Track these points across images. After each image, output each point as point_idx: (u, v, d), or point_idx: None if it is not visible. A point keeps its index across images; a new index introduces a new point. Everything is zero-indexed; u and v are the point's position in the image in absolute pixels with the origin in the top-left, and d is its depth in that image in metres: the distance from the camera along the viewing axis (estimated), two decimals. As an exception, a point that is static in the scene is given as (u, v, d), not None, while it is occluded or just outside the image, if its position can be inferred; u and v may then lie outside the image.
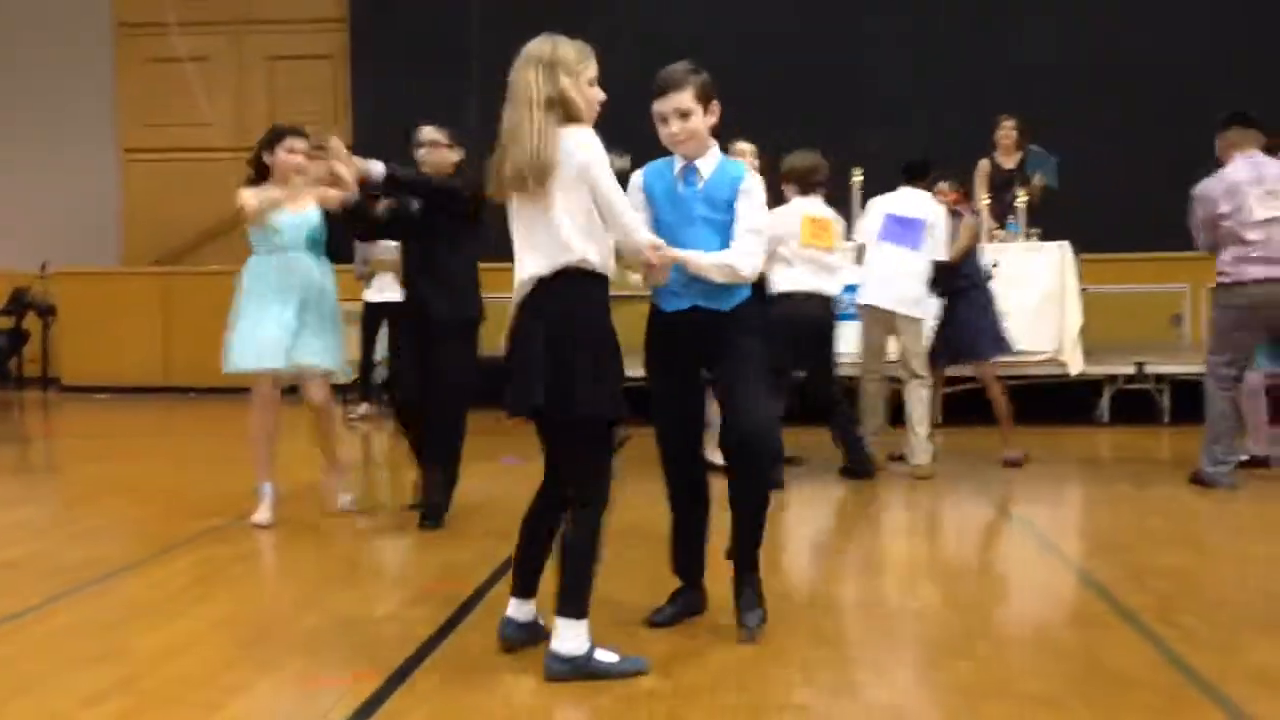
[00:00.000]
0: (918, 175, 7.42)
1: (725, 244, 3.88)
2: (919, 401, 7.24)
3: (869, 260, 7.36)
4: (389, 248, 10.46)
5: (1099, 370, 9.29)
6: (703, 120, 3.89)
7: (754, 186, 3.93)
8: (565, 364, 3.55)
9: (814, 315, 6.95)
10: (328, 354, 5.92)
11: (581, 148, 3.59)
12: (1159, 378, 9.28)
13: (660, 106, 3.90)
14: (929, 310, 7.42)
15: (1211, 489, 6.74)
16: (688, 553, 4.19)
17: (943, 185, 7.64)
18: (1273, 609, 4.40)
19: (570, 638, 3.61)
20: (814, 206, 7.06)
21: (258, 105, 13.68)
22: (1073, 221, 9.58)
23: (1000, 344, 7.56)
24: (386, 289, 10.54)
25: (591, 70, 3.69)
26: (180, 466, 8.16)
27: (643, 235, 3.74)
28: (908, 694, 3.54)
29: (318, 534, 5.82)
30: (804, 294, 6.89)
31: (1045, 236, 9.36)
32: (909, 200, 7.35)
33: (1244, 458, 7.23)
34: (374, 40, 12.94)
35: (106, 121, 14.50)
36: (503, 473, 7.33)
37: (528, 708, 3.43)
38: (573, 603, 3.63)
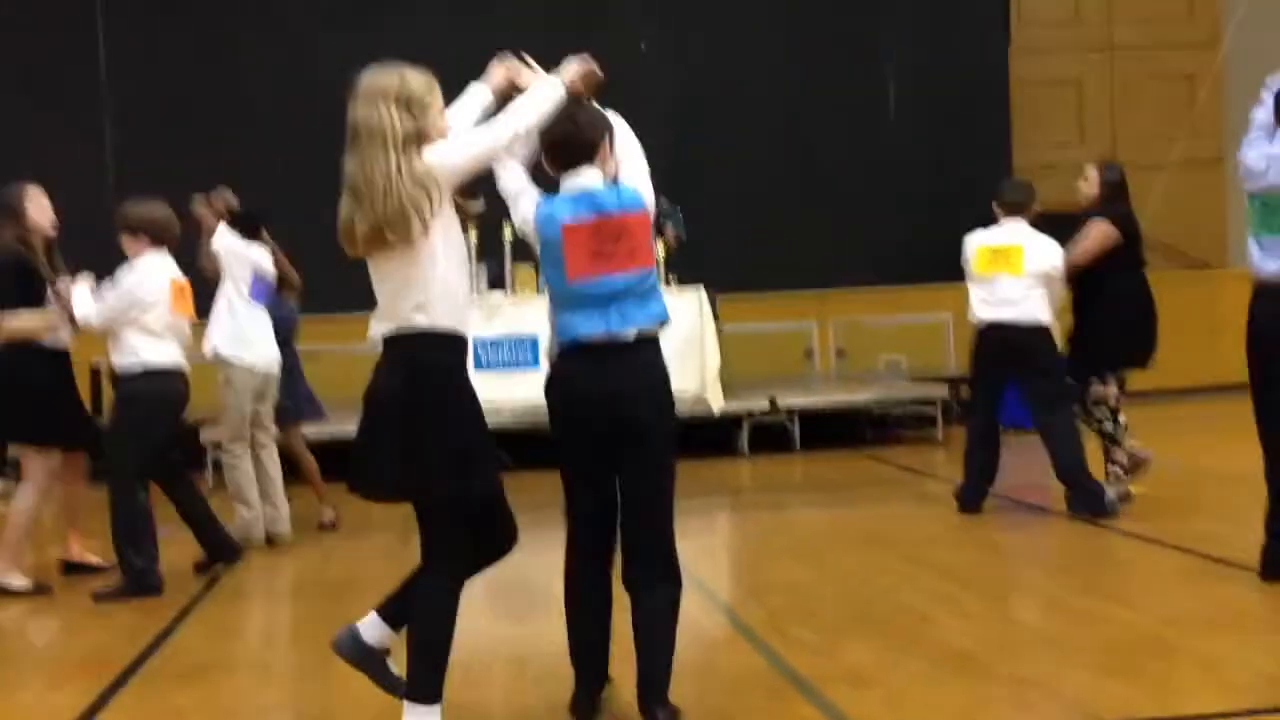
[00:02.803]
0: (254, 232, 6.96)
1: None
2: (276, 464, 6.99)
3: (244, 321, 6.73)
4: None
5: (738, 406, 10.01)
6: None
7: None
8: (419, 439, 3.30)
9: (182, 390, 6.01)
10: None
11: (430, 155, 3.31)
12: (789, 410, 10.11)
13: None
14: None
15: None
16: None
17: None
18: (865, 613, 4.99)
19: None
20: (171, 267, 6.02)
21: None
22: (708, 265, 10.33)
23: (316, 407, 7.58)
24: None
25: (440, 100, 3.42)
26: None
27: (542, 94, 3.48)
28: (529, 712, 3.83)
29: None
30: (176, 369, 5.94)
31: (681, 281, 10.02)
32: (268, 257, 7.01)
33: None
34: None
35: None
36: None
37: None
38: (422, 685, 3.38)
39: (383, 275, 3.37)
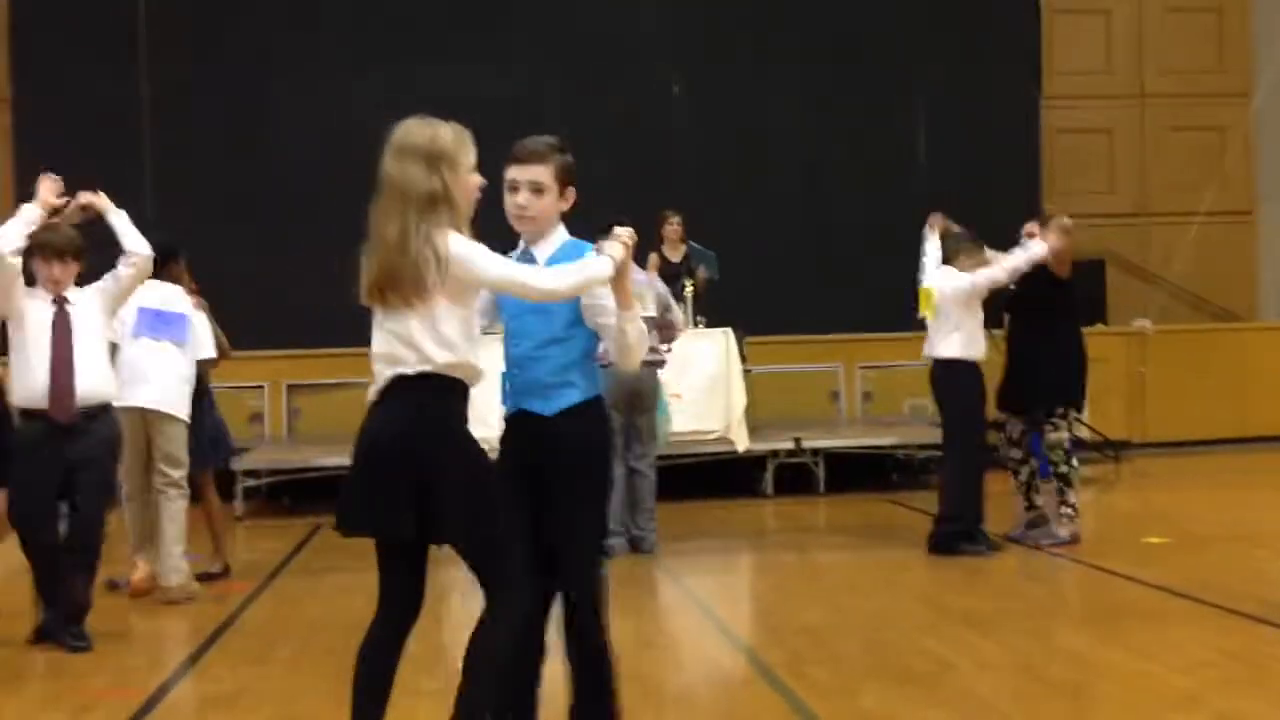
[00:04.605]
0: (162, 265, 6.41)
1: (561, 330, 3.54)
2: (175, 517, 6.43)
3: (125, 359, 6.25)
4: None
5: (762, 446, 10.03)
6: (555, 203, 3.58)
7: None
8: (446, 485, 3.29)
9: None
10: None
11: (456, 247, 3.29)
12: (815, 451, 10.14)
13: (515, 174, 3.56)
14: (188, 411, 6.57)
15: None
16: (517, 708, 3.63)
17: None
18: (884, 657, 5.02)
19: None
20: None
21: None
22: (737, 307, 10.38)
23: (220, 449, 7.21)
24: None
25: (471, 157, 3.39)
26: None
27: (588, 271, 3.39)
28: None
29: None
30: None
31: (710, 323, 10.09)
32: (165, 293, 6.54)
33: None
34: (38, 120, 12.48)
35: None
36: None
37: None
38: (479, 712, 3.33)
39: (392, 322, 3.34)
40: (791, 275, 12.39)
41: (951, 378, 7.23)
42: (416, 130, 3.34)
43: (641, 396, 7.57)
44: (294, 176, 11.92)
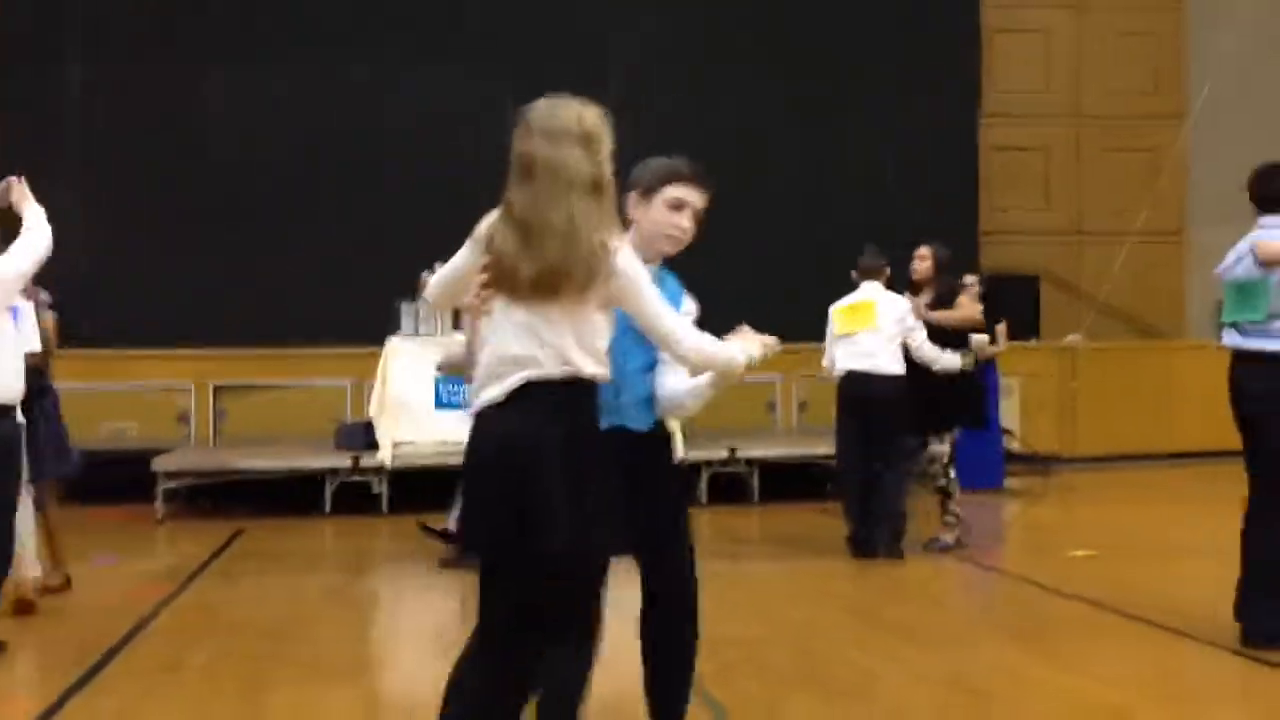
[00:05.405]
0: None
1: (649, 357, 3.38)
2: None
3: None
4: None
5: (698, 455, 9.97)
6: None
7: (693, 310, 3.51)
8: (591, 494, 3.01)
9: None
10: None
11: (626, 266, 3.02)
12: (749, 461, 10.09)
13: (684, 194, 3.46)
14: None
15: None
16: None
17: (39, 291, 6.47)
18: (814, 669, 4.96)
19: None
20: None
21: None
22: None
23: (65, 460, 6.55)
24: None
25: (611, 142, 3.12)
26: None
27: (729, 358, 3.24)
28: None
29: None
30: None
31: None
32: None
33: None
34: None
35: None
36: (95, 575, 7.04)
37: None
38: None
39: (534, 319, 3.00)
40: (728, 285, 12.16)
41: (902, 391, 7.36)
42: (563, 110, 3.07)
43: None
44: (224, 176, 11.66)
